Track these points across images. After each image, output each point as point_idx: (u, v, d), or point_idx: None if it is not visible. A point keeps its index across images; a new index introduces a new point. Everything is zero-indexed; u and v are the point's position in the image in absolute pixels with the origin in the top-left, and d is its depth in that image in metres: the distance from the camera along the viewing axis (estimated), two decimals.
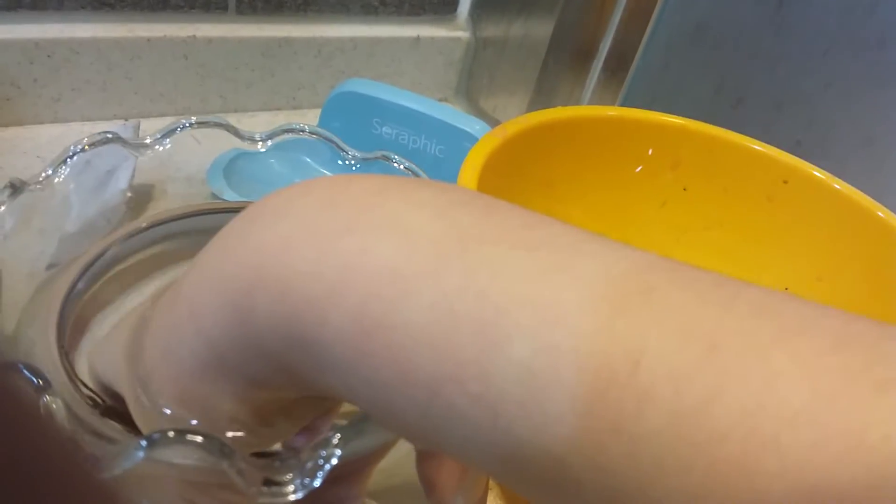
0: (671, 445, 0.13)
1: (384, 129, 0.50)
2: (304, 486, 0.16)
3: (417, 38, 0.64)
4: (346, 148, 0.30)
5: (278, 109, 0.61)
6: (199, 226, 0.33)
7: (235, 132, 0.30)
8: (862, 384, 0.12)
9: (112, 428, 0.19)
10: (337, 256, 0.16)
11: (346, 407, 0.23)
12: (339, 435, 0.17)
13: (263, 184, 0.40)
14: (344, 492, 0.22)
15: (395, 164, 0.29)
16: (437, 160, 0.49)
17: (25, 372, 0.17)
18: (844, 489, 0.11)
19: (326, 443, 0.17)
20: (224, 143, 0.31)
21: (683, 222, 0.44)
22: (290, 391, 0.18)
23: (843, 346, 0.13)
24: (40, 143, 0.49)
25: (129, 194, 0.38)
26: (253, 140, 0.32)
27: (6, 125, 0.50)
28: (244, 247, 0.17)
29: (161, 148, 0.29)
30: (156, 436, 0.15)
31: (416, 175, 0.29)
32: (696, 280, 0.15)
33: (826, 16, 0.51)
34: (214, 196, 0.43)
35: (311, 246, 0.16)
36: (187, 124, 0.29)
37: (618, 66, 0.56)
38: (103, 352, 0.23)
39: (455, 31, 0.66)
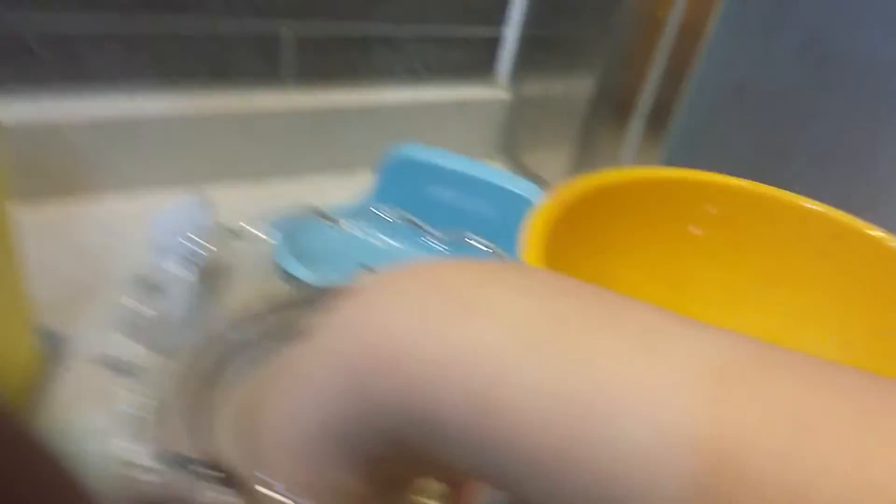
0: None
1: (439, 193, 0.51)
2: None
3: (459, 100, 0.65)
4: (431, 230, 0.32)
5: (331, 171, 0.62)
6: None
7: (323, 215, 0.32)
8: None
9: None
10: (448, 342, 0.17)
11: None
12: None
13: (333, 256, 0.41)
14: None
15: (479, 246, 0.30)
16: (492, 224, 0.50)
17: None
18: None
19: None
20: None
21: (740, 282, 0.45)
22: (409, 467, 0.20)
23: None
24: (112, 216, 0.51)
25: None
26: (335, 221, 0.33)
27: (77, 196, 0.51)
28: (365, 331, 0.18)
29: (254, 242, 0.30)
30: None
31: (500, 256, 0.30)
32: (793, 363, 0.16)
33: (869, 71, 0.52)
34: (281, 268, 0.44)
35: (424, 332, 0.17)
36: (279, 217, 0.30)
37: (658, 122, 0.57)
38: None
39: (496, 91, 0.68)
